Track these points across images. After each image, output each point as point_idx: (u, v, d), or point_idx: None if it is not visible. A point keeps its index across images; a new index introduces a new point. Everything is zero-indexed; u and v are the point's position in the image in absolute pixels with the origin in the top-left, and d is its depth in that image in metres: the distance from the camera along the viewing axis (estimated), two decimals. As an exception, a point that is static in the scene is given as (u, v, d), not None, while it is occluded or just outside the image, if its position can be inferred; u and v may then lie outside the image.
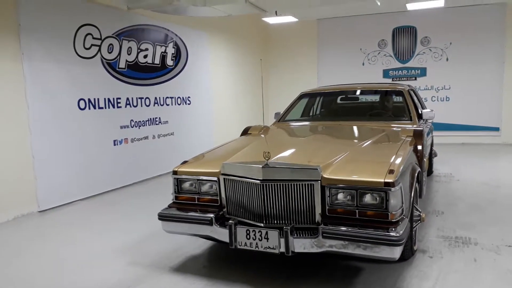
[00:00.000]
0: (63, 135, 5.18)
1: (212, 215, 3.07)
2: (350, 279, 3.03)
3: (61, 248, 3.85)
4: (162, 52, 6.85)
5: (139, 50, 6.35)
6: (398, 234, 2.57)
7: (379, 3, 6.45)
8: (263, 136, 4.29)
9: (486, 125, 9.40)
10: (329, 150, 3.44)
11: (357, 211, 2.74)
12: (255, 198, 2.93)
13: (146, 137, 6.56)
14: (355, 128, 4.40)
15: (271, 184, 2.87)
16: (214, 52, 8.45)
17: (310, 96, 5.49)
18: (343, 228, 2.68)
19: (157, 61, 6.75)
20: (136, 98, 6.34)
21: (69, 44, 5.23)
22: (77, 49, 5.32)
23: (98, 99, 5.66)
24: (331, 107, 5.51)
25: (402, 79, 9.98)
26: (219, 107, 8.63)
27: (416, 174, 3.34)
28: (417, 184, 3.40)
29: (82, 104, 5.42)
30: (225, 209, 3.15)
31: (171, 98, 7.12)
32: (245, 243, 2.88)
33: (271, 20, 7.59)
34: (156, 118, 6.77)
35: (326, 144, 3.85)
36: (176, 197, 3.37)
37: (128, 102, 6.18)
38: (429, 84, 9.80)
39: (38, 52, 4.83)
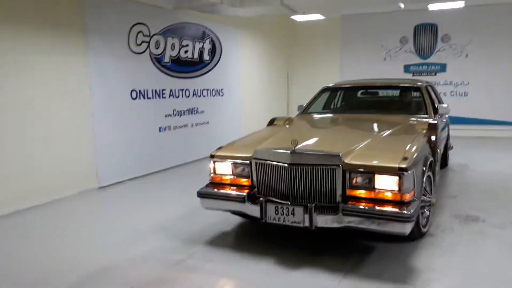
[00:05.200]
0: (118, 121, 5.89)
1: (245, 194, 3.45)
2: (368, 251, 3.46)
3: (116, 218, 4.51)
4: (200, 47, 7.49)
5: (180, 46, 7.00)
6: (409, 212, 2.93)
7: (402, 6, 6.90)
8: (288, 126, 4.62)
9: (502, 120, 9.77)
10: (349, 139, 3.78)
11: (373, 192, 3.08)
12: (283, 180, 3.27)
13: (185, 125, 7.24)
14: (374, 120, 4.62)
15: (298, 168, 3.21)
16: (245, 47, 9.04)
17: (332, 90, 5.71)
18: (361, 206, 3.05)
19: (195, 56, 7.40)
20: (178, 89, 7.01)
21: (124, 40, 5.91)
22: (130, 45, 6.01)
23: (147, 90, 6.35)
24: (351, 101, 5.76)
25: (423, 74, 10.38)
26: (248, 99, 9.24)
27: (428, 163, 3.64)
28: (430, 172, 3.73)
29: (134, 94, 6.12)
30: (255, 189, 3.50)
31: (207, 90, 7.77)
32: (274, 217, 3.23)
33: (299, 18, 8.11)
34: (194, 108, 7.43)
35: (347, 134, 4.22)
36: (212, 178, 3.76)
37: (171, 93, 6.86)
38: (448, 80, 10.19)
39: (100, 48, 5.53)
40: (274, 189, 3.37)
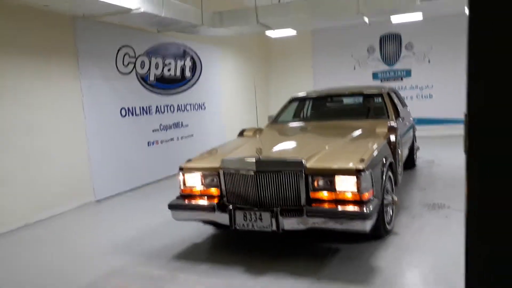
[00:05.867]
0: (110, 137, 6.26)
1: (214, 203, 3.57)
2: (335, 252, 3.61)
3: (112, 228, 4.87)
4: (181, 65, 7.93)
5: (164, 65, 7.43)
6: (368, 211, 3.11)
7: (367, 21, 7.54)
8: (257, 136, 4.79)
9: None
10: (313, 145, 3.95)
11: (335, 193, 3.26)
12: (250, 187, 3.40)
13: (172, 139, 7.63)
14: (338, 126, 4.84)
15: (263, 175, 3.35)
16: (223, 63, 9.54)
17: (300, 100, 5.89)
18: (323, 207, 3.23)
19: (178, 73, 7.84)
20: (163, 105, 7.42)
21: (112, 62, 6.32)
22: (118, 66, 6.41)
23: (135, 107, 6.73)
24: (318, 109, 5.92)
25: (390, 80, 11.13)
26: (229, 111, 9.72)
27: (388, 164, 3.82)
28: (390, 172, 3.93)
29: (123, 112, 6.50)
30: (225, 198, 3.60)
31: (190, 104, 8.21)
32: (243, 224, 3.35)
33: (273, 33, 8.66)
34: (179, 122, 7.84)
35: (312, 140, 4.42)
36: (183, 190, 3.84)
37: (157, 109, 7.26)
38: (413, 84, 10.96)
39: (91, 71, 5.91)
40: (243, 197, 3.48)
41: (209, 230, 4.41)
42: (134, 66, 6.74)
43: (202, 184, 3.76)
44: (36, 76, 5.20)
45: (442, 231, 4.00)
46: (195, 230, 4.40)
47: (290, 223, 3.25)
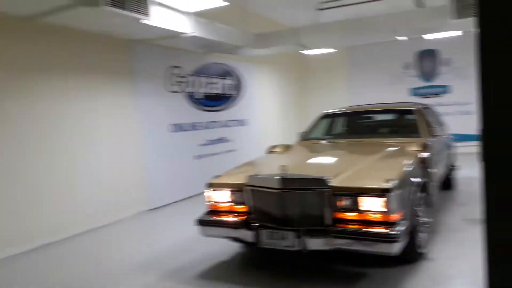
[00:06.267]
0: (162, 151, 6.74)
1: (240, 220, 3.52)
2: (362, 276, 3.43)
3: (164, 232, 5.27)
4: (225, 84, 8.41)
5: (209, 83, 7.93)
6: (395, 233, 2.96)
7: (402, 39, 7.76)
8: (285, 153, 4.78)
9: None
10: (340, 163, 3.93)
11: (360, 214, 3.12)
12: (275, 205, 3.34)
13: (216, 153, 8.06)
14: (368, 144, 4.73)
15: (288, 193, 3.27)
16: (262, 80, 9.97)
17: (330, 116, 5.81)
18: (348, 228, 3.11)
19: (222, 91, 8.31)
20: (209, 121, 7.89)
21: (164, 81, 6.85)
22: (168, 85, 6.94)
23: (183, 123, 7.22)
24: (348, 126, 5.81)
25: (428, 96, 11.14)
26: (267, 126, 10.09)
27: (420, 184, 3.65)
28: (422, 193, 3.73)
29: (173, 128, 6.99)
30: (251, 215, 3.54)
31: (234, 120, 8.65)
32: (267, 242, 3.31)
33: (310, 52, 9.02)
34: (223, 137, 8.28)
35: (339, 158, 4.30)
36: (211, 206, 3.83)
37: (203, 125, 7.73)
38: (452, 100, 10.92)
39: (145, 90, 6.46)
40: (268, 214, 3.42)
41: (240, 247, 4.35)
42: (183, 85, 7.26)
43: (229, 200, 3.73)
44: (98, 94, 5.76)
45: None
46: (226, 245, 4.33)
47: (314, 243, 3.18)
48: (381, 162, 3.85)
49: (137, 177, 6.32)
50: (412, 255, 3.54)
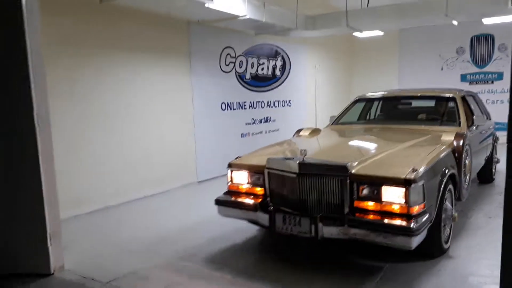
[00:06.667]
0: (212, 128, 7.15)
1: (257, 202, 3.47)
2: (378, 270, 3.29)
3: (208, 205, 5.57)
4: (273, 65, 8.63)
5: (258, 64, 8.18)
6: (415, 226, 2.81)
7: (456, 23, 7.59)
8: (312, 136, 4.68)
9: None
10: (367, 150, 3.79)
11: (381, 204, 2.98)
12: (292, 190, 3.24)
13: (260, 132, 8.39)
14: (401, 130, 4.56)
15: (306, 178, 3.16)
16: (308, 61, 10.08)
17: (365, 100, 5.64)
18: (366, 218, 2.97)
19: (269, 72, 8.56)
20: (256, 101, 8.20)
21: (217, 61, 7.20)
22: (221, 65, 7.26)
23: (232, 102, 7.58)
24: (383, 111, 5.62)
25: (479, 83, 10.82)
26: (311, 107, 10.25)
27: (448, 175, 3.43)
28: (451, 185, 3.57)
29: (223, 106, 7.37)
30: (268, 198, 3.48)
31: (278, 101, 8.90)
32: (282, 227, 3.21)
33: (360, 34, 8.97)
34: (267, 117, 8.58)
35: (367, 144, 4.15)
36: (230, 187, 3.80)
37: (250, 105, 8.05)
38: (505, 87, 10.56)
39: (199, 69, 6.82)
40: (285, 199, 3.34)
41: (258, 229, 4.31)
42: (234, 65, 7.56)
43: (248, 182, 3.70)
44: (155, 71, 6.16)
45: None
46: (246, 225, 4.15)
47: (330, 232, 3.07)
48: (409, 150, 3.68)
49: (189, 150, 6.77)
50: (432, 250, 3.42)
